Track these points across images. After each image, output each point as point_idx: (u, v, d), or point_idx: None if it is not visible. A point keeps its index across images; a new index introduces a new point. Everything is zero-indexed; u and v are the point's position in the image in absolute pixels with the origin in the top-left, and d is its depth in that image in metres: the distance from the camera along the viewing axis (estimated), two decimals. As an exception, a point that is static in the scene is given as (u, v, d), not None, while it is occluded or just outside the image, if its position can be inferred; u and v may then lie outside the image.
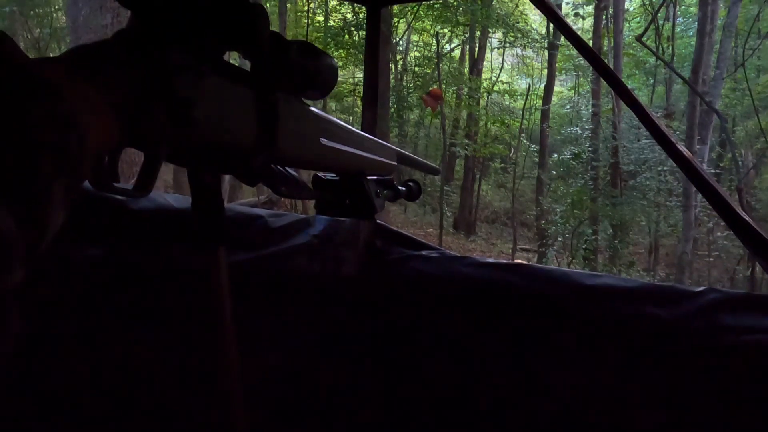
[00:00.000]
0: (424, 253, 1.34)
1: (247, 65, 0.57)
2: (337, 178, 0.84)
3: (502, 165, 16.87)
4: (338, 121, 0.73)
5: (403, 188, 0.99)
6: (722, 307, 1.08)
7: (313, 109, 0.66)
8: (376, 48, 1.37)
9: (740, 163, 8.74)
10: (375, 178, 0.89)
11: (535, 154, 13.97)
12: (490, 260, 1.29)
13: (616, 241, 10.30)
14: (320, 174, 0.84)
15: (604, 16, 11.61)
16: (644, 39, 6.83)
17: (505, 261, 1.30)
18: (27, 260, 0.27)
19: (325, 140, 0.67)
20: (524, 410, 1.16)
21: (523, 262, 1.27)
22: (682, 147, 1.20)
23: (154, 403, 1.28)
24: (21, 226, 0.26)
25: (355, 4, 10.42)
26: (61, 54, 0.39)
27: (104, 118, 0.36)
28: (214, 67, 0.50)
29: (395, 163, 0.91)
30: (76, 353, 1.29)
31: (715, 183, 1.14)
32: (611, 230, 10.51)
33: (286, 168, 0.67)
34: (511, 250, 11.38)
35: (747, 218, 1.10)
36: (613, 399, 1.09)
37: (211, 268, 0.62)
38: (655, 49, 9.01)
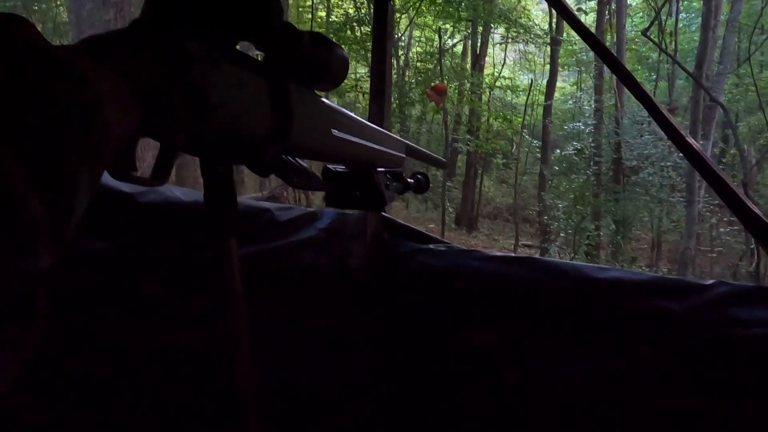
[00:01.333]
0: (431, 246, 1.34)
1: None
2: (346, 170, 0.84)
3: (505, 161, 16.81)
4: (349, 112, 0.73)
5: (412, 181, 0.98)
6: (732, 300, 1.08)
7: (324, 100, 0.66)
8: (384, 39, 1.36)
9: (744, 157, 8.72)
10: (384, 170, 0.88)
11: (538, 149, 13.94)
12: (499, 253, 1.29)
13: (618, 237, 10.29)
14: (330, 166, 0.83)
15: (606, 12, 11.58)
16: (647, 34, 6.81)
17: (513, 254, 1.30)
18: (54, 246, 0.27)
19: (336, 131, 0.67)
20: (534, 402, 1.16)
21: (532, 255, 1.27)
22: (690, 139, 1.20)
23: (163, 395, 1.28)
24: (49, 211, 0.27)
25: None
26: (78, 42, 0.39)
27: (125, 104, 0.36)
28: (229, 56, 0.49)
29: (404, 156, 0.91)
30: (84, 346, 1.29)
31: (723, 174, 1.13)
32: (614, 226, 10.49)
33: (297, 159, 0.66)
34: (513, 246, 11.38)
35: (755, 209, 1.09)
36: (624, 391, 1.09)
37: (224, 260, 0.62)
38: (658, 45, 8.98)
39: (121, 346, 1.30)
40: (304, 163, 0.68)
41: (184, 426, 1.28)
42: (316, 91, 0.66)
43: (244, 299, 0.63)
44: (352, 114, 0.74)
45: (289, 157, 0.65)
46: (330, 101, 0.69)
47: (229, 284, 0.63)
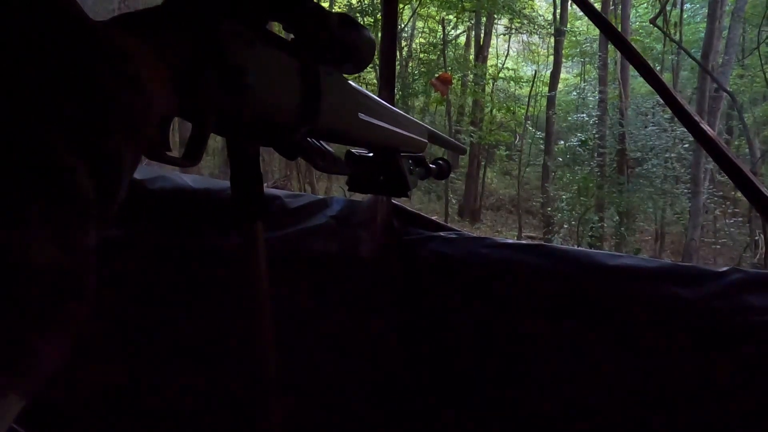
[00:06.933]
0: (442, 234, 1.34)
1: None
2: (370, 154, 0.83)
3: (508, 152, 16.74)
4: (374, 96, 0.72)
5: (434, 166, 0.97)
6: (746, 287, 1.07)
7: (351, 83, 0.66)
8: (394, 25, 1.35)
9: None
10: (407, 155, 0.88)
11: (541, 141, 13.90)
12: (510, 241, 1.28)
13: (622, 228, 10.28)
14: (353, 150, 0.83)
15: (611, 2, 11.51)
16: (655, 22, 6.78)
17: (525, 242, 1.30)
18: (100, 224, 0.27)
19: (362, 115, 0.66)
20: (546, 388, 1.16)
21: (544, 243, 1.27)
22: (705, 126, 1.19)
23: (181, 382, 1.29)
24: (96, 187, 0.27)
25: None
26: (114, 18, 0.38)
27: (163, 82, 0.35)
28: (261, 35, 0.49)
29: (426, 141, 0.90)
30: (97, 335, 1.29)
31: (735, 157, 1.12)
32: (617, 217, 10.48)
33: (321, 142, 0.66)
34: (516, 238, 11.38)
35: (770, 196, 1.08)
36: (637, 378, 1.09)
37: (250, 243, 0.62)
38: (663, 35, 8.93)
39: (133, 333, 1.30)
40: (328, 146, 0.68)
41: (206, 411, 1.28)
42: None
43: (268, 283, 0.63)
44: (378, 98, 0.73)
45: (315, 141, 0.65)
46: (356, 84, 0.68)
47: (255, 268, 0.63)
